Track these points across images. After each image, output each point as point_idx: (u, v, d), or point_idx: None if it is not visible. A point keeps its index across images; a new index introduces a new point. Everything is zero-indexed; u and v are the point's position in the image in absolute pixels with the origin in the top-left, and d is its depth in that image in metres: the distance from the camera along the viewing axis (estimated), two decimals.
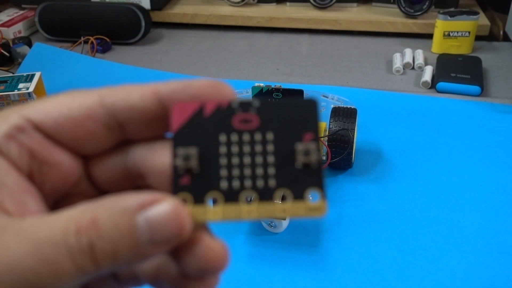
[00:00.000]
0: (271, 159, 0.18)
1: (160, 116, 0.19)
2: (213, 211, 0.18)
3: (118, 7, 0.84)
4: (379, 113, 0.62)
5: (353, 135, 0.48)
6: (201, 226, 0.18)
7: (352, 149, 0.49)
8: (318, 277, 0.40)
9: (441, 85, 0.68)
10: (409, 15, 0.85)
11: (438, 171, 0.52)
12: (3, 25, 0.85)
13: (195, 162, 0.18)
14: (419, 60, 0.75)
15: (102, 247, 0.15)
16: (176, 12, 0.91)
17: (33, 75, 0.64)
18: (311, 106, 0.19)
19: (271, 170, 0.18)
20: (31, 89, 0.61)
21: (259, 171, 0.18)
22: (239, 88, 0.59)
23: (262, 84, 0.51)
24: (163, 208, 0.16)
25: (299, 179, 0.18)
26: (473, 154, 0.55)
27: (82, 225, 0.15)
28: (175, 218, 0.16)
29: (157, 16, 0.90)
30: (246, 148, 0.18)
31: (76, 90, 0.20)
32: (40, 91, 0.64)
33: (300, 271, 0.41)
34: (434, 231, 0.45)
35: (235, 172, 0.18)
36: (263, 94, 0.51)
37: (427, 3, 0.83)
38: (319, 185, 0.18)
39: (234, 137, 0.18)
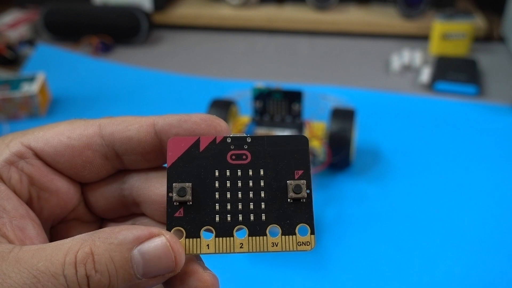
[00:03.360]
0: (262, 194, 0.19)
1: (156, 147, 0.20)
2: (206, 244, 0.18)
3: (120, 9, 0.85)
4: (377, 114, 0.63)
5: (352, 135, 0.49)
6: (193, 258, 0.19)
7: (351, 149, 0.50)
8: (317, 276, 0.41)
9: (438, 85, 0.69)
10: (407, 17, 0.86)
11: (436, 171, 0.53)
12: (7, 27, 0.86)
13: (189, 196, 0.19)
14: (417, 61, 0.76)
15: (98, 280, 0.16)
16: (177, 14, 0.92)
17: (36, 76, 0.65)
18: (302, 142, 0.19)
19: (263, 206, 0.19)
20: (34, 90, 0.62)
21: (251, 206, 0.19)
22: (239, 89, 0.60)
23: (262, 85, 0.52)
24: (158, 242, 0.17)
25: (289, 215, 0.19)
26: (470, 154, 0.56)
27: (80, 257, 0.16)
28: (169, 253, 0.17)
29: (159, 18, 0.91)
30: (239, 184, 0.19)
31: (76, 119, 0.20)
32: (43, 92, 0.65)
33: (299, 269, 0.42)
34: (432, 230, 0.45)
35: (228, 207, 0.19)
36: (263, 95, 0.52)
37: (424, 5, 0.85)
38: (308, 221, 0.19)
39: (227, 173, 0.19)
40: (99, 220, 0.22)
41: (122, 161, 0.20)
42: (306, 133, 0.51)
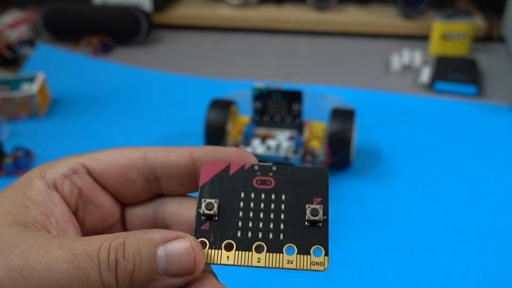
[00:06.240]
0: (282, 216, 0.20)
1: (192, 173, 0.22)
2: (226, 256, 0.20)
3: (120, 9, 0.85)
4: (377, 114, 0.63)
5: (352, 135, 0.49)
6: (211, 272, 0.20)
7: (351, 149, 0.50)
8: (317, 276, 0.41)
9: (438, 85, 0.69)
10: (407, 17, 0.86)
11: (436, 171, 0.53)
12: (6, 27, 0.86)
13: (215, 211, 0.20)
14: (417, 61, 0.76)
15: (124, 266, 0.18)
16: (177, 14, 0.92)
17: (36, 76, 0.65)
18: (323, 174, 0.21)
19: (282, 226, 0.20)
20: (34, 90, 0.62)
21: (271, 226, 0.20)
22: (239, 89, 0.60)
23: (262, 85, 0.52)
24: (182, 244, 0.19)
25: (306, 236, 0.20)
26: (470, 154, 0.56)
27: (114, 245, 0.18)
28: (190, 255, 0.19)
29: (158, 18, 0.91)
30: (261, 205, 0.21)
31: (127, 147, 0.23)
32: (43, 92, 0.65)
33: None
34: (432, 230, 0.45)
35: (250, 224, 0.20)
36: (263, 95, 0.52)
37: (424, 5, 0.85)
38: (323, 243, 0.20)
39: (252, 195, 0.21)
40: None
41: (160, 185, 0.23)
42: (306, 133, 0.51)
